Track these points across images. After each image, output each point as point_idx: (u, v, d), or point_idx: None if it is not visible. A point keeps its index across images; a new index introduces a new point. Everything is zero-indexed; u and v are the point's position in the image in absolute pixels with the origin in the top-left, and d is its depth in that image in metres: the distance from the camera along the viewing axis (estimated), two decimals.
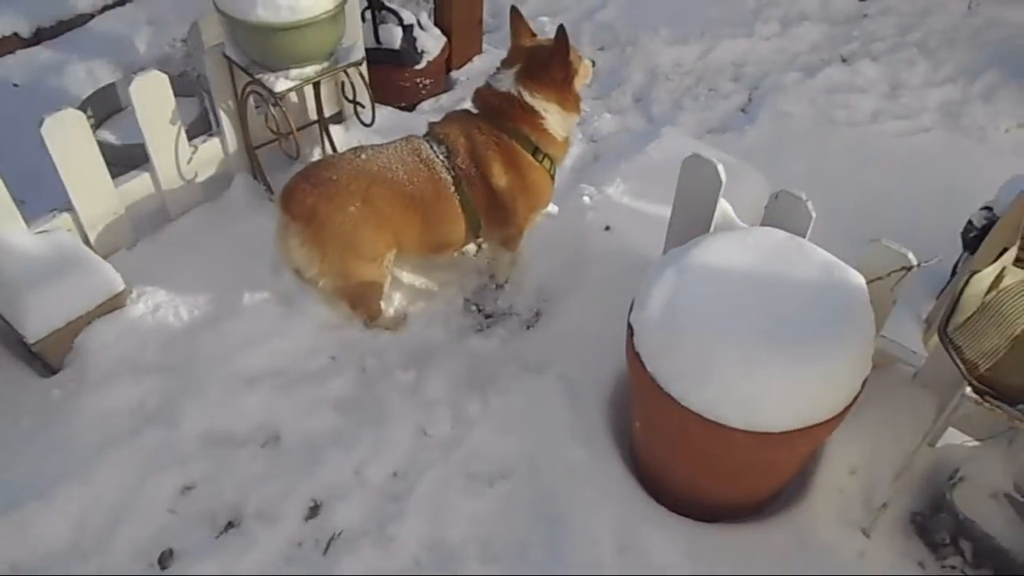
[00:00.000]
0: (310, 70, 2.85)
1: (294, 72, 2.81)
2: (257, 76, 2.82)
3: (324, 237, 2.56)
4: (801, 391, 1.98)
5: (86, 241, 2.85)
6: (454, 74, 4.07)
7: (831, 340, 2.01)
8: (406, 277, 3.04)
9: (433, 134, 2.79)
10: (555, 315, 2.98)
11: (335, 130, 3.43)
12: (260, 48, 2.76)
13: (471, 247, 3.16)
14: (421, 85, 3.82)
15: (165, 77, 2.79)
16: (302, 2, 2.61)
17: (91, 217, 2.84)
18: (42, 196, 2.90)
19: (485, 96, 2.80)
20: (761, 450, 2.06)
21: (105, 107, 3.47)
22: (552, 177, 2.89)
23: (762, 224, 2.56)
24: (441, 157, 2.71)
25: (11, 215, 2.65)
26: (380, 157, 2.65)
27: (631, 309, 2.26)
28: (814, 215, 2.43)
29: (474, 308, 3.05)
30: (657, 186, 3.46)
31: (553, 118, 2.75)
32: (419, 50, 3.72)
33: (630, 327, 2.22)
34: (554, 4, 5.21)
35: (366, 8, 3.59)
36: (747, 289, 2.11)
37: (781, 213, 2.49)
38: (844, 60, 4.98)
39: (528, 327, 2.98)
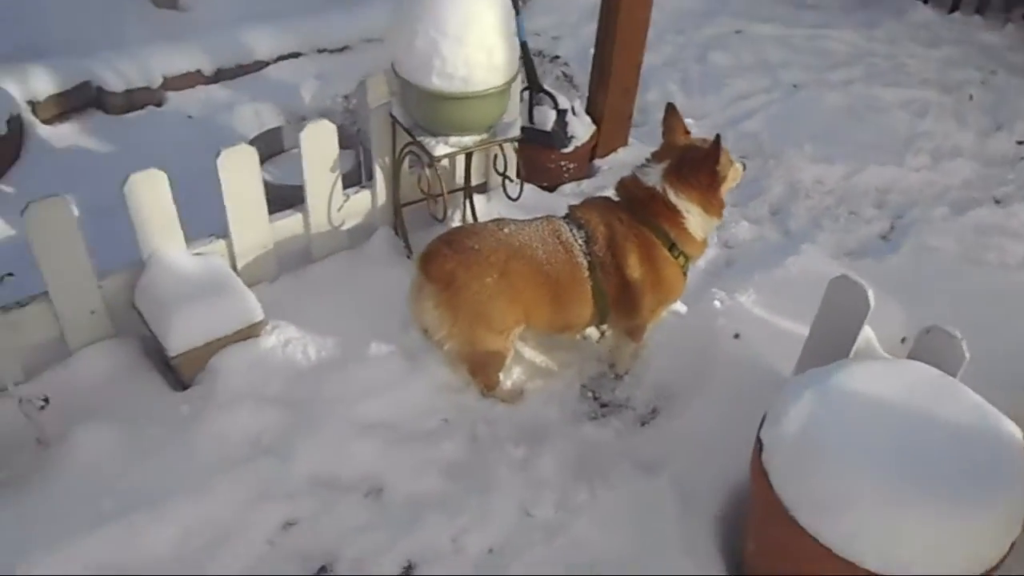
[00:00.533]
0: (469, 140, 2.96)
1: (454, 139, 2.93)
2: (419, 138, 2.95)
3: (458, 303, 2.60)
4: (944, 542, 1.85)
5: (234, 268, 2.99)
6: (597, 162, 4.15)
7: (980, 493, 1.87)
8: (527, 352, 3.04)
9: (574, 217, 2.82)
10: (673, 415, 2.91)
11: (478, 199, 3.53)
12: (428, 113, 2.89)
13: (594, 332, 3.14)
14: (565, 168, 3.90)
15: (334, 128, 2.95)
16: (475, 76, 2.73)
17: (243, 247, 2.99)
18: (194, 219, 3.07)
19: (629, 187, 2.82)
20: None
21: (270, 147, 3.69)
22: (685, 274, 2.88)
23: (909, 358, 2.45)
24: (580, 241, 2.74)
25: (174, 234, 2.81)
26: (521, 233, 2.70)
27: (762, 423, 2.18)
28: (968, 355, 2.31)
29: (590, 395, 3.02)
30: (791, 302, 3.38)
31: (695, 219, 2.75)
32: (569, 134, 3.82)
33: (759, 442, 2.13)
34: (698, 108, 5.27)
35: (525, 88, 3.73)
36: (893, 423, 2.01)
37: (931, 349, 2.38)
38: (997, 202, 4.81)
39: (643, 423, 2.92)
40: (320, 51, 5.26)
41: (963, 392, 2.13)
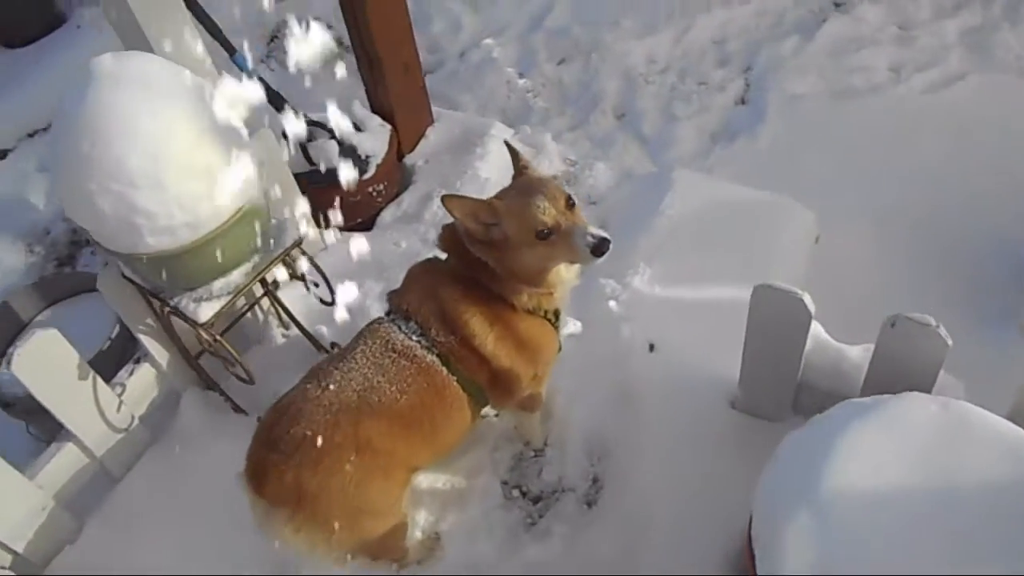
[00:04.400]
0: (237, 275, 2.17)
1: (218, 286, 2.13)
2: (172, 303, 2.14)
3: (323, 513, 1.92)
4: None
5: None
6: (409, 159, 3.37)
7: None
8: (425, 483, 2.41)
9: (398, 310, 2.11)
10: (618, 480, 2.38)
11: (291, 299, 2.70)
12: (167, 276, 2.08)
13: (489, 411, 2.49)
14: (375, 193, 3.13)
15: (57, 334, 2.11)
16: (202, 213, 1.92)
17: (13, 530, 2.19)
18: None
19: (447, 239, 2.10)
20: None
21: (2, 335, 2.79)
22: (554, 326, 2.18)
23: (875, 356, 1.94)
24: (415, 337, 2.05)
25: None
26: (351, 376, 1.98)
27: (753, 555, 1.66)
28: (950, 343, 1.81)
29: (516, 492, 2.45)
30: (689, 261, 2.83)
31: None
32: (363, 156, 3.02)
33: None
34: (493, 23, 4.45)
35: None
36: (919, 527, 1.50)
37: (901, 344, 1.87)
38: (838, 6, 4.28)
39: (589, 503, 2.38)
40: None
41: (982, 425, 1.62)
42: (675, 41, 4.19)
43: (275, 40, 4.53)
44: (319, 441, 1.88)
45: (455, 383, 2.06)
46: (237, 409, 2.57)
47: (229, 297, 2.14)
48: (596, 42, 4.20)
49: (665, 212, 2.99)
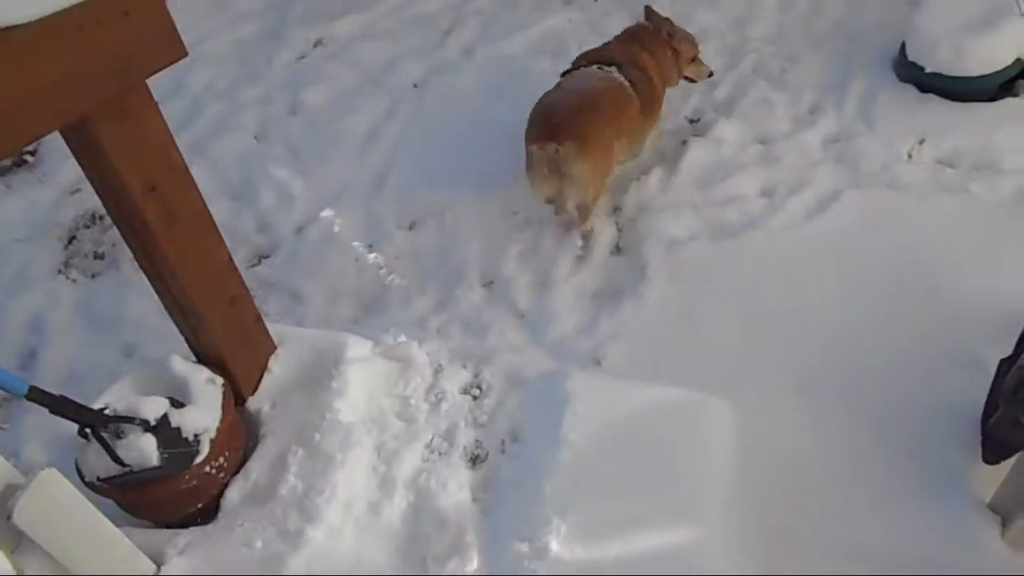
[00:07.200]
0: None
1: None
2: None
3: (594, 153, 3.25)
4: None
5: None
6: (253, 403, 2.78)
7: None
8: None
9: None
10: None
11: None
12: None
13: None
14: (214, 470, 2.51)
15: None
16: None
17: None
18: None
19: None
20: None
21: None
22: None
23: None
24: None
25: None
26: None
27: None
28: None
29: None
30: (608, 503, 2.43)
31: None
32: (190, 438, 2.41)
33: None
34: (329, 188, 3.95)
35: (81, 431, 2.26)
36: None
37: None
38: (693, 122, 4.07)
39: None
40: None
41: None
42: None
43: (73, 242, 3.85)
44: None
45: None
46: None
47: None
48: (448, 199, 3.78)
49: (568, 438, 2.57)
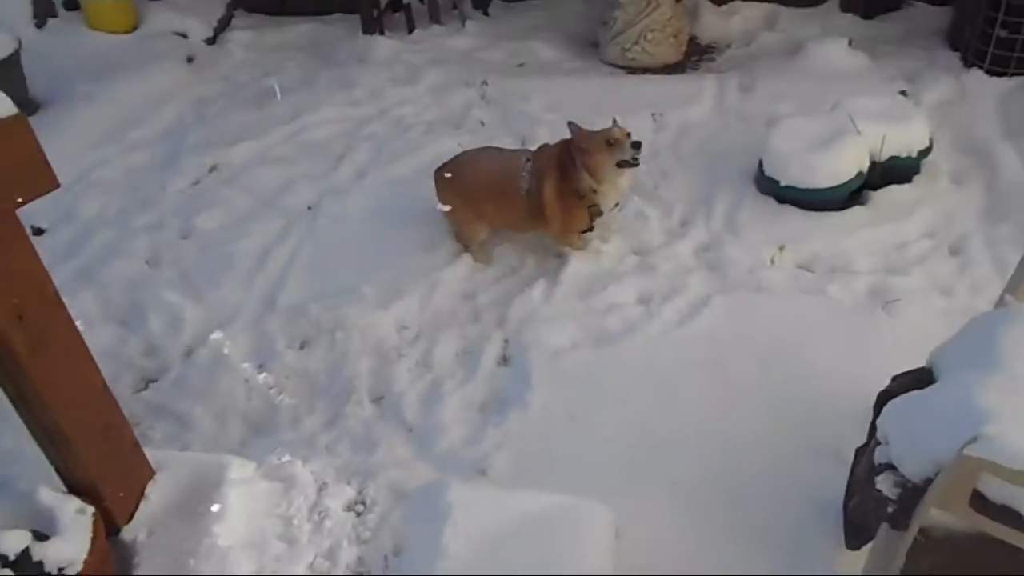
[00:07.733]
0: None
1: None
2: None
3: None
4: None
5: None
6: (127, 533, 2.67)
7: None
8: None
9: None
10: None
11: None
12: None
13: None
14: None
15: None
16: None
17: None
18: None
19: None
20: None
21: None
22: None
23: None
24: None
25: None
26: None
27: None
28: None
29: None
30: None
31: None
32: (53, 572, 2.32)
33: None
34: (219, 311, 3.97)
35: None
36: None
37: None
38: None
39: None
40: None
41: None
42: (424, 301, 3.94)
43: None
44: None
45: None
46: None
47: None
48: (339, 317, 3.84)
49: (448, 550, 2.57)
